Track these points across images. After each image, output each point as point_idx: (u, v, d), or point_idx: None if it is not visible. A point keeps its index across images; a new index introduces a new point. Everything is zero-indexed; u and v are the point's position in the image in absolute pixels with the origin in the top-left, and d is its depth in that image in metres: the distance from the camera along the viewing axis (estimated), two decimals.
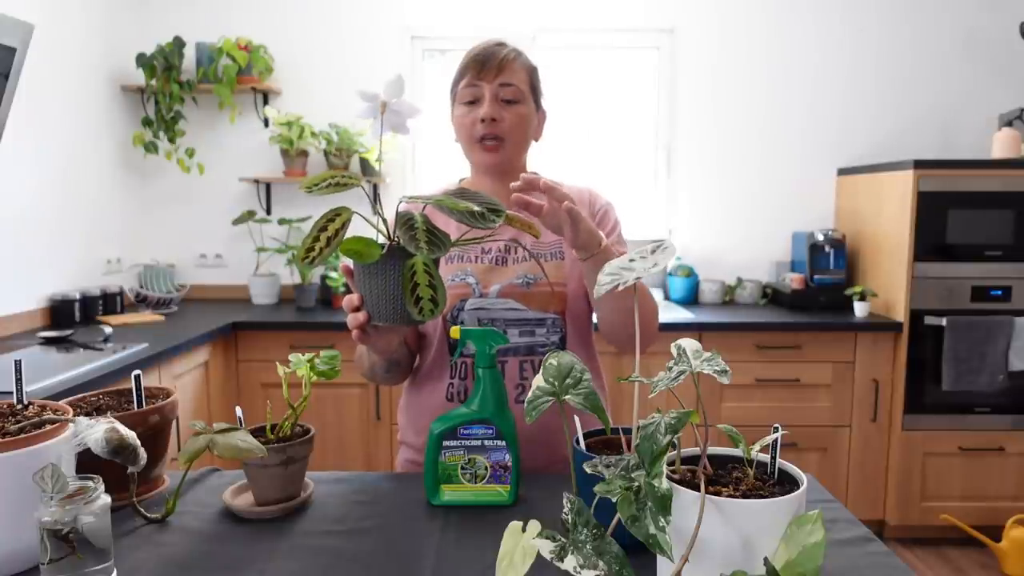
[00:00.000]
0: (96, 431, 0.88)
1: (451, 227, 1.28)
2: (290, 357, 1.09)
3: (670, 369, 0.78)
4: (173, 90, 3.15)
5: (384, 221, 1.00)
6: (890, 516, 2.93)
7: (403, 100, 1.01)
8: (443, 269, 1.29)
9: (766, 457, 0.80)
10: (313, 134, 3.21)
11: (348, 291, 1.07)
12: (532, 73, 1.35)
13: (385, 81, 1.00)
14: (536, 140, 1.39)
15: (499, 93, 1.28)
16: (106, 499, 0.80)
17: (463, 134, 1.33)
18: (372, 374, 1.30)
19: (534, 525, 0.67)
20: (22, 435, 0.85)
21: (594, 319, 1.36)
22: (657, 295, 3.36)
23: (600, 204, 1.40)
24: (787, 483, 0.78)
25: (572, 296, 1.32)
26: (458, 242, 0.99)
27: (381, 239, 0.98)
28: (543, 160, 1.42)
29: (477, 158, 1.33)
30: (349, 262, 1.02)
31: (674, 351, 0.81)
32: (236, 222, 3.26)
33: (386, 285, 0.97)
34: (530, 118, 1.33)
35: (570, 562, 0.63)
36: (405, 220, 0.92)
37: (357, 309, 1.03)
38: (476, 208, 0.93)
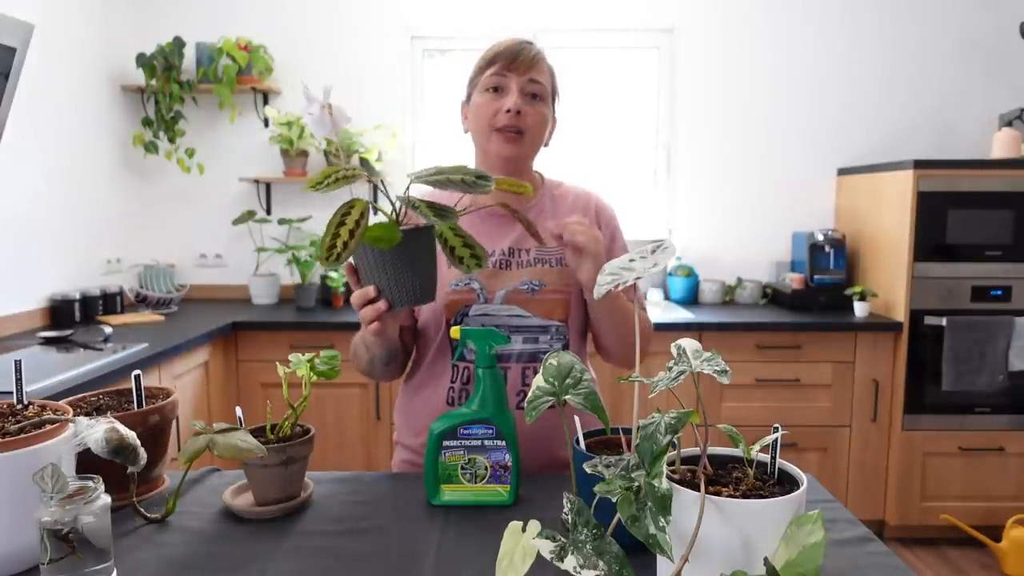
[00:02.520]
0: (96, 431, 0.87)
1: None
2: (290, 357, 1.09)
3: (670, 369, 0.78)
4: (173, 90, 3.15)
5: (393, 205, 1.01)
6: (890, 516, 2.93)
7: (336, 106, 1.04)
8: (447, 274, 1.28)
9: (766, 457, 0.80)
10: (313, 134, 3.21)
11: (348, 291, 1.08)
12: (554, 77, 1.34)
13: (323, 87, 1.03)
14: (545, 146, 1.38)
15: (526, 88, 1.27)
16: (106, 499, 0.80)
17: (481, 122, 1.29)
18: (371, 368, 1.29)
19: (534, 525, 0.67)
20: (22, 435, 0.85)
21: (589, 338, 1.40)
22: (657, 295, 3.37)
23: (608, 213, 1.40)
24: (787, 483, 0.78)
25: (575, 304, 1.31)
26: (462, 212, 1.01)
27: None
28: (545, 160, 1.41)
29: (493, 148, 1.29)
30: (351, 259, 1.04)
31: (674, 351, 0.81)
32: (236, 222, 3.26)
33: (406, 266, 0.99)
34: (548, 118, 1.32)
35: (570, 562, 0.63)
36: (406, 201, 0.96)
37: (372, 300, 1.04)
38: (468, 176, 0.95)
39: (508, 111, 1.25)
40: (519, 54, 1.27)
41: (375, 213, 1.00)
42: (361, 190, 3.29)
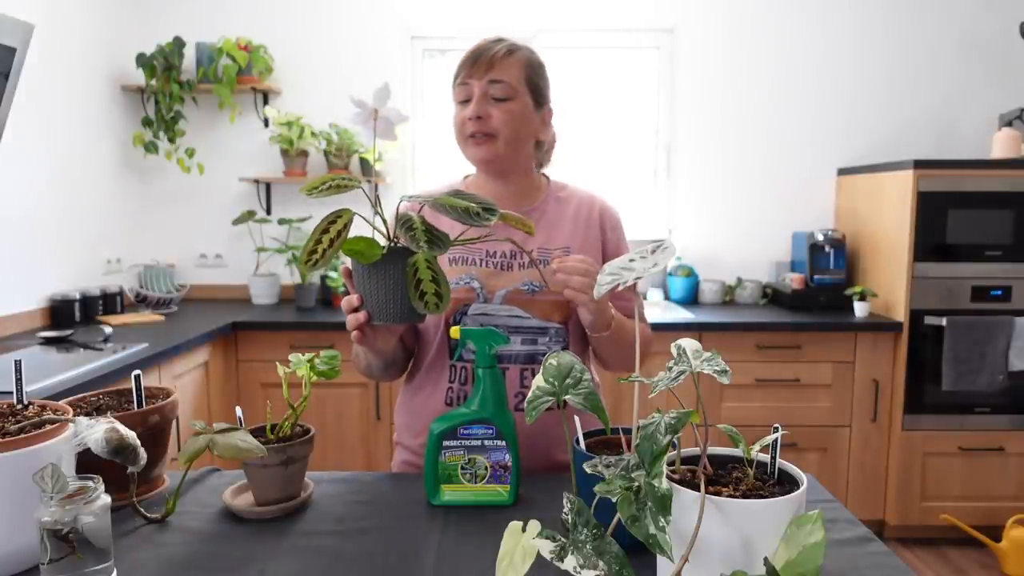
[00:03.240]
0: (96, 431, 0.87)
1: (454, 230, 1.27)
2: (290, 357, 1.09)
3: (670, 369, 0.78)
4: (173, 90, 3.15)
5: (384, 221, 1.00)
6: (890, 516, 2.93)
7: (390, 107, 1.03)
8: (447, 272, 1.28)
9: (766, 457, 0.80)
10: (313, 134, 3.21)
11: (347, 292, 1.08)
12: (531, 69, 1.30)
13: (373, 89, 1.01)
14: (540, 139, 1.36)
15: (488, 90, 1.26)
16: (106, 499, 0.80)
17: (456, 133, 1.32)
18: (369, 371, 1.31)
19: (534, 525, 0.67)
20: (22, 435, 0.85)
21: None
22: (657, 295, 3.37)
23: (612, 216, 1.40)
24: (787, 483, 0.78)
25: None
26: (457, 241, 1.00)
27: (381, 239, 0.99)
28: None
29: (469, 154, 1.31)
30: (348, 263, 1.03)
31: (674, 351, 0.81)
32: (236, 222, 3.26)
33: (387, 284, 0.97)
34: (524, 114, 1.29)
35: (570, 562, 0.63)
36: (404, 221, 0.94)
37: (356, 310, 1.04)
38: (473, 206, 0.95)
39: (470, 118, 1.26)
40: (477, 57, 1.27)
41: (375, 214, 1.00)
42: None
